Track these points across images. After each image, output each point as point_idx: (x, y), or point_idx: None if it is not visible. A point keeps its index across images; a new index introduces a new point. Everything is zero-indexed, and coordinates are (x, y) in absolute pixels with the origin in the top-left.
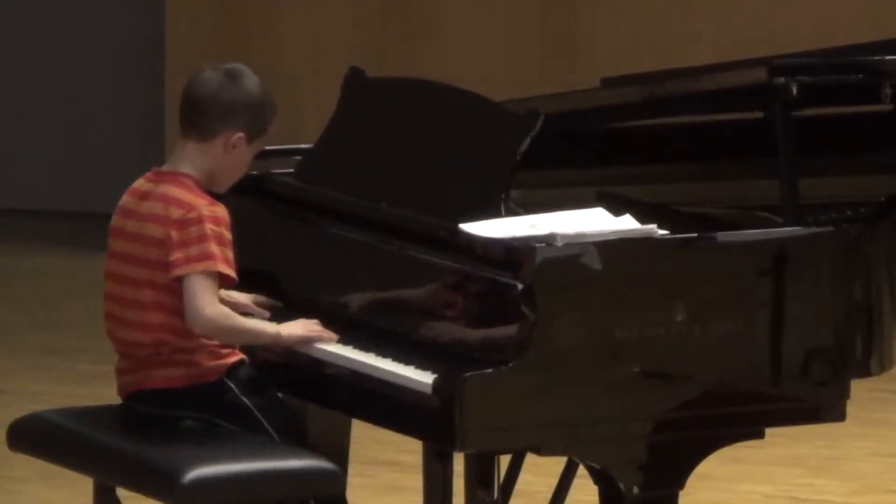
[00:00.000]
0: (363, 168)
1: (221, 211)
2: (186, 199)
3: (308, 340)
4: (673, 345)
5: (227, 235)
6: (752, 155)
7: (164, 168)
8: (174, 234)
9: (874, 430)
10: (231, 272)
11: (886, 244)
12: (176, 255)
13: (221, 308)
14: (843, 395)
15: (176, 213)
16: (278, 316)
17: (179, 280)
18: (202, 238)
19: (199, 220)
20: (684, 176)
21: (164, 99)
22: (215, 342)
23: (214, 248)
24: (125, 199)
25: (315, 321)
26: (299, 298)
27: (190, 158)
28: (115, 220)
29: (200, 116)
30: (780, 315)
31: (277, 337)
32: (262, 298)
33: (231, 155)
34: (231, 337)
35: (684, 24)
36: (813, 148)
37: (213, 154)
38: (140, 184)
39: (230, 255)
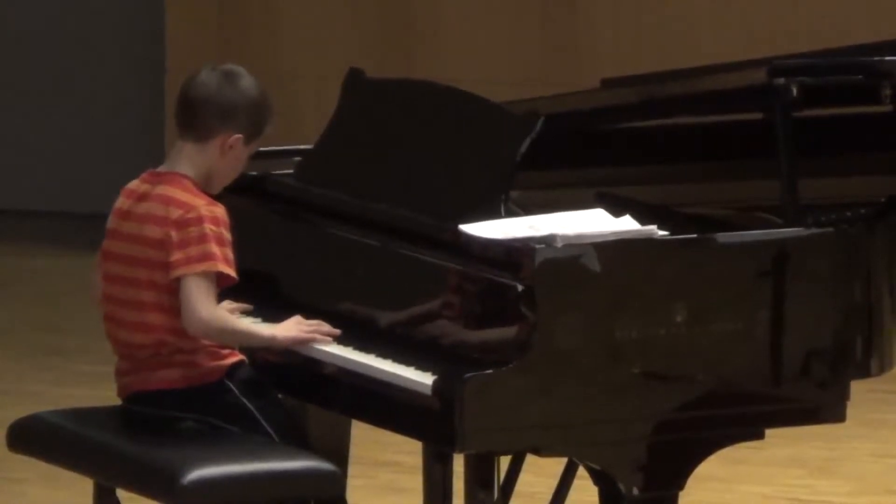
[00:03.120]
0: (363, 169)
1: (220, 211)
2: (185, 200)
3: (303, 341)
4: (673, 345)
5: (227, 235)
6: (751, 156)
7: (161, 169)
8: (174, 234)
9: (874, 430)
10: (231, 272)
11: (886, 245)
12: (176, 256)
13: (217, 311)
14: (843, 395)
15: (175, 213)
16: (273, 313)
17: (179, 280)
18: (202, 238)
19: (199, 221)
20: (684, 177)
21: (164, 99)
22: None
23: (214, 248)
24: (121, 201)
25: (311, 321)
26: (299, 299)
27: (187, 159)
28: (112, 222)
29: (198, 118)
30: (780, 316)
31: (272, 340)
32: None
33: (228, 156)
34: (226, 339)
35: (684, 24)
36: (813, 148)
37: (211, 155)
38: (136, 185)
39: (230, 254)
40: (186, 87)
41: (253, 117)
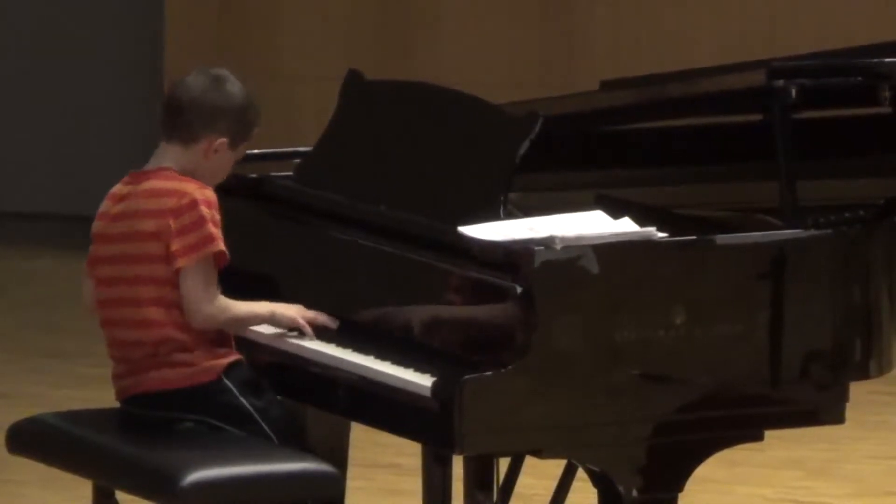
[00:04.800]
0: (362, 171)
1: (211, 193)
2: (175, 187)
3: (300, 325)
4: (672, 347)
5: (218, 217)
6: (751, 157)
7: (144, 169)
8: (172, 223)
9: (873, 432)
10: (225, 250)
11: (885, 246)
12: (177, 245)
13: (218, 303)
14: (843, 397)
15: (169, 202)
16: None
17: (179, 272)
18: (200, 222)
19: (194, 205)
20: (683, 178)
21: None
22: (213, 335)
23: (212, 229)
24: (106, 205)
25: (311, 311)
26: (299, 301)
27: (171, 159)
28: (98, 227)
29: (184, 120)
30: (780, 317)
31: (271, 316)
32: None
33: (212, 160)
34: (229, 327)
35: (684, 25)
36: (812, 150)
37: (195, 157)
38: (119, 188)
39: (221, 235)
40: (173, 88)
41: (237, 122)
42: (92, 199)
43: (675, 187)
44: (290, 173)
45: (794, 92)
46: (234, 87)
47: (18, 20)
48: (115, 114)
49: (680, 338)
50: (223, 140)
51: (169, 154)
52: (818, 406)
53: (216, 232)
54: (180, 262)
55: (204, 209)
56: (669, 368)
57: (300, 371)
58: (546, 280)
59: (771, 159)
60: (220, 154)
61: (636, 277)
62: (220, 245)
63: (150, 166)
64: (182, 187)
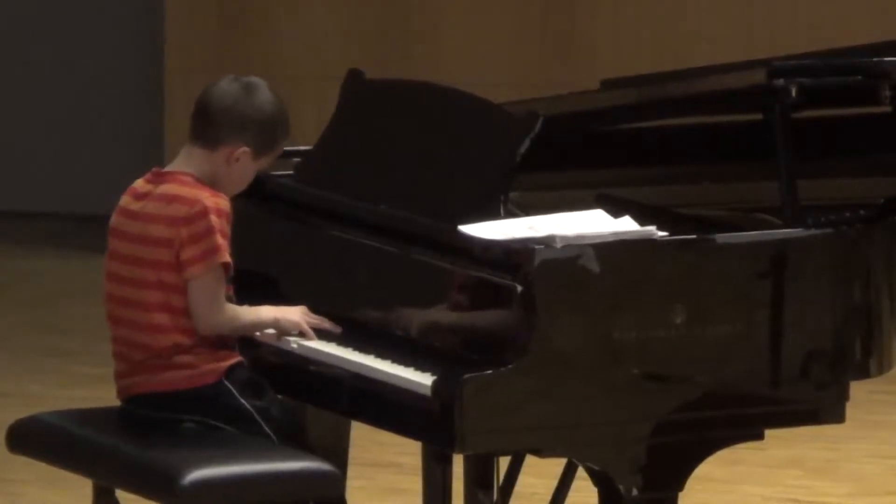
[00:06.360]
0: (362, 170)
1: (224, 202)
2: (188, 195)
3: (303, 330)
4: (672, 347)
5: (227, 227)
6: (751, 157)
7: (166, 169)
8: (184, 231)
9: (873, 431)
10: (230, 261)
11: (885, 246)
12: (187, 255)
13: (226, 313)
14: (843, 396)
15: (181, 210)
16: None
17: (188, 282)
18: (209, 231)
19: (205, 213)
20: (684, 178)
21: (163, 101)
22: (216, 338)
23: (219, 240)
24: (125, 200)
25: (316, 316)
26: (299, 300)
27: (194, 163)
28: (116, 221)
29: (209, 125)
30: (780, 317)
31: (276, 322)
32: None
33: (233, 168)
34: (235, 334)
35: (684, 25)
36: (812, 150)
37: (217, 163)
38: (140, 184)
39: (228, 246)
40: (205, 92)
41: (264, 133)
42: (92, 198)
43: (675, 186)
44: (291, 172)
45: (794, 91)
46: (264, 97)
47: (18, 20)
48: (116, 113)
49: (680, 337)
50: (245, 150)
51: (192, 157)
52: (818, 405)
53: (223, 243)
54: (189, 272)
55: (213, 218)
56: (669, 368)
57: (300, 370)
58: (546, 279)
59: (771, 159)
60: (241, 163)
61: (636, 276)
62: (225, 256)
63: (172, 167)
64: (195, 194)
